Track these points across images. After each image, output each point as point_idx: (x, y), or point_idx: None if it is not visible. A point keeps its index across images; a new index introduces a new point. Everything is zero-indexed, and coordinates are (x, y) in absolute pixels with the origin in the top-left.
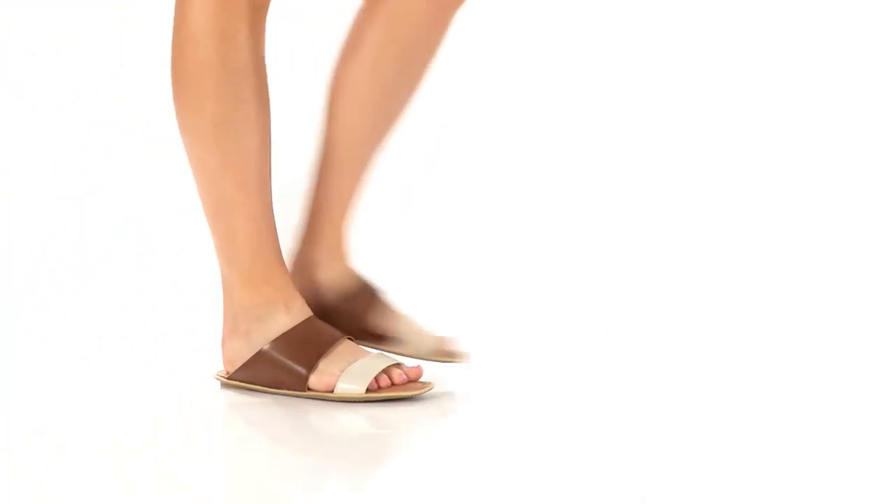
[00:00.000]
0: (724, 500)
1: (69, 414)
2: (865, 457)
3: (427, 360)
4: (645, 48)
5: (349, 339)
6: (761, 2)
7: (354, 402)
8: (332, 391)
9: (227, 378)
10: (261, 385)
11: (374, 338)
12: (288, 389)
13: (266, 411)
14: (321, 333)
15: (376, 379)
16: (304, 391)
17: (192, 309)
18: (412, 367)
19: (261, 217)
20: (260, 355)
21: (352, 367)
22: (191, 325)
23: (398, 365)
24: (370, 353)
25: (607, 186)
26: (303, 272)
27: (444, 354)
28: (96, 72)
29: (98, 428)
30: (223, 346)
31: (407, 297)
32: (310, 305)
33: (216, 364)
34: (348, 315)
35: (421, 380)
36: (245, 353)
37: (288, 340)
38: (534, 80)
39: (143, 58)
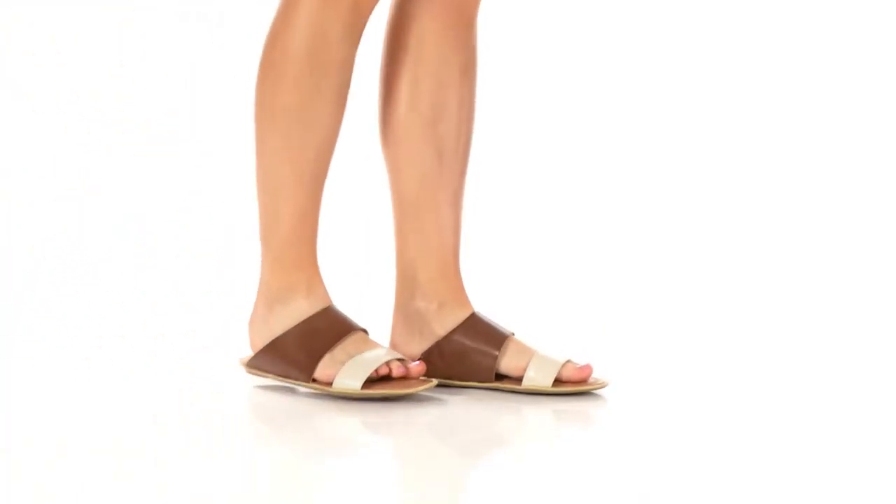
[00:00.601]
0: (724, 500)
1: (69, 414)
2: (865, 457)
3: (561, 393)
4: (645, 49)
5: (362, 330)
6: (761, 2)
7: (352, 398)
8: (331, 384)
9: (246, 364)
10: (272, 375)
11: (512, 380)
12: (294, 380)
13: (267, 411)
14: (333, 324)
15: (376, 370)
16: (310, 383)
17: (192, 309)
18: (414, 364)
19: (307, 208)
20: (272, 345)
21: (351, 362)
22: (191, 325)
23: (402, 360)
24: (379, 346)
25: (607, 186)
26: (417, 330)
27: (578, 382)
28: (96, 72)
29: (98, 428)
30: (249, 327)
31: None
32: (432, 361)
33: (216, 364)
34: (476, 362)
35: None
36: (265, 337)
37: (300, 330)
38: (534, 81)
39: (143, 58)
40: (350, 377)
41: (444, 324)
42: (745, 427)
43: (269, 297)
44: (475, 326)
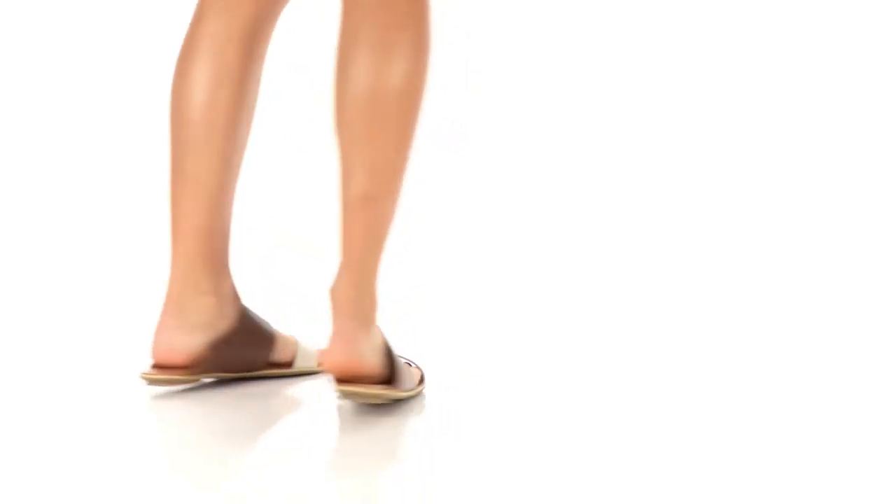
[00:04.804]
0: (725, 500)
1: (69, 414)
2: (865, 457)
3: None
4: (645, 48)
5: None
6: (761, 2)
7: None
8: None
9: (399, 393)
10: (408, 391)
11: (281, 366)
12: (419, 387)
13: (268, 411)
14: None
15: None
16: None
17: None
18: None
19: None
20: (397, 365)
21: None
22: None
23: None
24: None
25: (602, 188)
26: (200, 323)
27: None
28: (96, 72)
29: (98, 428)
30: (357, 352)
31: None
32: (200, 350)
33: None
34: (252, 350)
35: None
36: (382, 359)
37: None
38: (529, 82)
39: (144, 58)
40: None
41: (228, 318)
42: (746, 428)
43: (372, 315)
44: (250, 317)
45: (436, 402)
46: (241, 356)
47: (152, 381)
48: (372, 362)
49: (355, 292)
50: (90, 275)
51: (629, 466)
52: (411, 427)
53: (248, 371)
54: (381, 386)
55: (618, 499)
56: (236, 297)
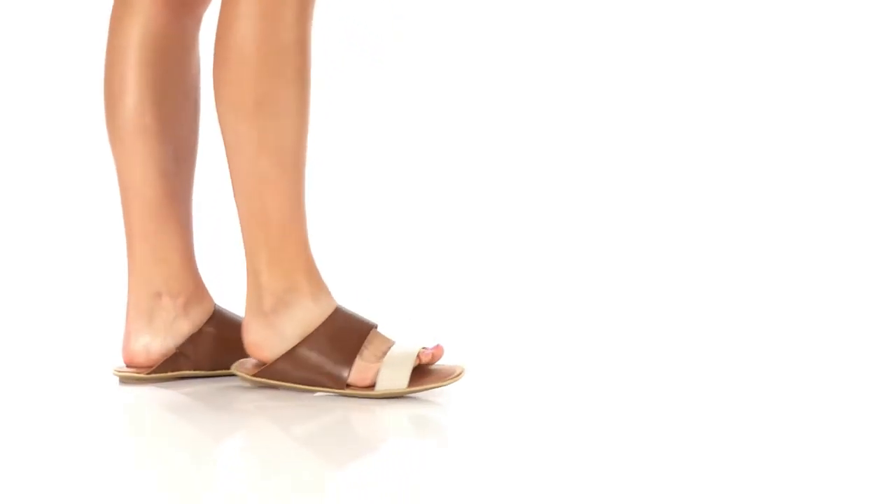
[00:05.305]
0: (723, 501)
1: (68, 414)
2: (865, 457)
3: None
4: (644, 48)
5: (374, 326)
6: (761, 2)
7: (395, 397)
8: (372, 388)
9: (258, 374)
10: (295, 384)
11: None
12: (326, 388)
13: (272, 410)
14: (352, 325)
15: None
16: (344, 389)
17: None
18: (436, 346)
19: (294, 198)
20: (291, 353)
21: (387, 362)
22: None
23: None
24: (391, 339)
25: (596, 190)
26: (162, 325)
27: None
28: (96, 71)
29: (96, 427)
30: (247, 330)
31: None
32: (185, 354)
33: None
34: (237, 341)
35: (444, 364)
36: (272, 340)
37: (323, 335)
38: (522, 83)
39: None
40: (391, 379)
41: (192, 318)
42: (745, 428)
43: (273, 299)
44: (223, 317)
45: (440, 400)
46: (212, 355)
47: (122, 379)
48: (266, 352)
49: (250, 282)
50: (86, 268)
51: (628, 467)
52: (410, 426)
53: (224, 369)
54: (258, 374)
55: (616, 499)
56: (204, 298)
